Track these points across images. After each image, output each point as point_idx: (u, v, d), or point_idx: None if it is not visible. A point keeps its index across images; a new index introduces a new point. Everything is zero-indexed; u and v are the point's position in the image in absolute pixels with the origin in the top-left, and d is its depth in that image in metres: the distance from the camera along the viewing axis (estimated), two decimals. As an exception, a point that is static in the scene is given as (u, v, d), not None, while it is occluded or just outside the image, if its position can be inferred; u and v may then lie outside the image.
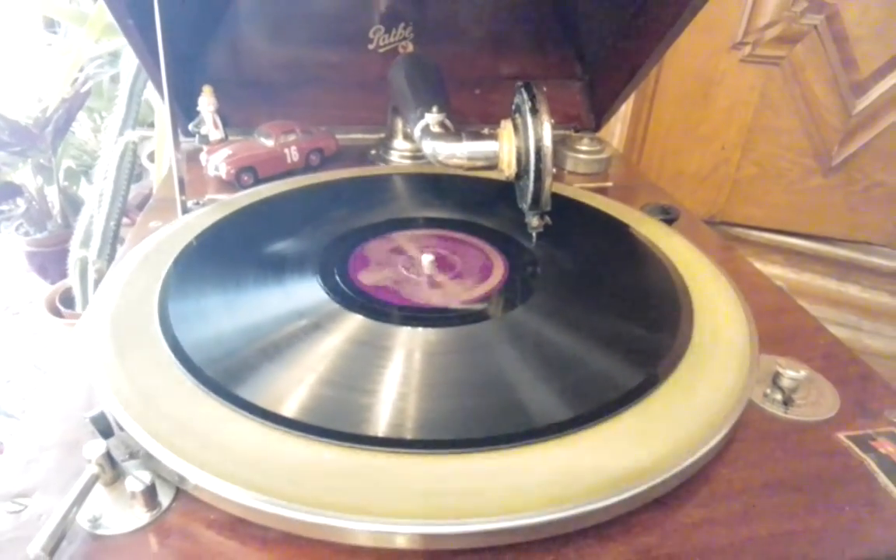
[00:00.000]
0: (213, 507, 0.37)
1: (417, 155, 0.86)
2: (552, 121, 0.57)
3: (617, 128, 1.33)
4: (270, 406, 0.40)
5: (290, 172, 0.79)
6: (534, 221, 0.61)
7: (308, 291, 0.53)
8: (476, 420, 0.41)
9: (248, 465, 0.37)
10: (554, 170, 0.58)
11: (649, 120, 1.33)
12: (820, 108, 1.22)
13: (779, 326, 0.57)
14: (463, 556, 0.35)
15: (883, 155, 1.22)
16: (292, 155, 0.79)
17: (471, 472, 0.37)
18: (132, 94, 1.25)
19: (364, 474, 0.37)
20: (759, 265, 0.67)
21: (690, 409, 0.42)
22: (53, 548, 0.33)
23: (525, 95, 0.58)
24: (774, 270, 1.34)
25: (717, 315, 0.52)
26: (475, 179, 0.76)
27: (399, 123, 0.86)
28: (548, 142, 0.57)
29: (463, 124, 0.66)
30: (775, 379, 0.48)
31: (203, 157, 0.78)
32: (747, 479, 0.41)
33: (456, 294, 0.55)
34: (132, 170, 1.23)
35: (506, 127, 0.61)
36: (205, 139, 0.80)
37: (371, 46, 0.92)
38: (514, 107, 0.62)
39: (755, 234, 1.36)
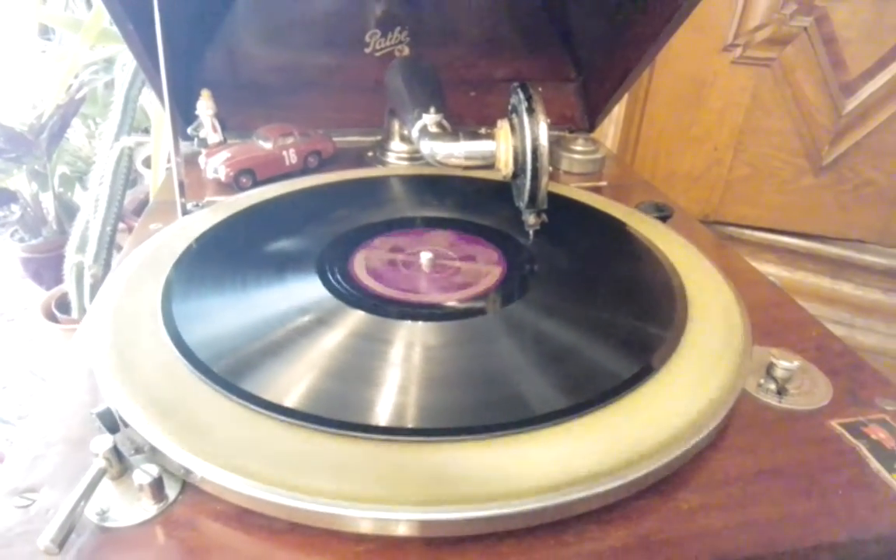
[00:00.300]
0: (219, 498, 0.37)
1: (414, 156, 0.87)
2: (548, 120, 0.58)
3: (610, 130, 1.34)
4: (275, 399, 0.41)
5: (288, 175, 0.79)
6: (531, 219, 0.62)
7: (310, 289, 0.54)
8: (476, 410, 0.42)
9: (253, 456, 0.37)
10: (550, 168, 0.59)
11: (642, 122, 1.34)
12: (810, 109, 1.24)
13: (772, 319, 0.58)
14: (465, 543, 0.36)
15: (873, 154, 1.24)
16: (290, 157, 0.80)
17: (471, 459, 0.38)
18: (127, 99, 1.25)
19: (367, 463, 0.37)
20: (753, 264, 0.68)
21: (685, 398, 0.43)
22: (63, 540, 0.33)
23: (521, 95, 0.59)
24: (768, 269, 1.35)
25: (711, 307, 0.53)
26: (472, 179, 0.77)
27: (396, 126, 0.87)
28: (544, 141, 0.58)
29: (459, 126, 0.67)
30: (769, 369, 0.49)
31: (202, 160, 0.79)
32: (743, 465, 0.42)
33: (455, 290, 0.55)
34: (128, 175, 1.23)
35: (502, 126, 0.62)
36: (203, 142, 0.81)
37: (367, 50, 0.93)
38: (510, 107, 0.63)
39: (748, 233, 1.38)
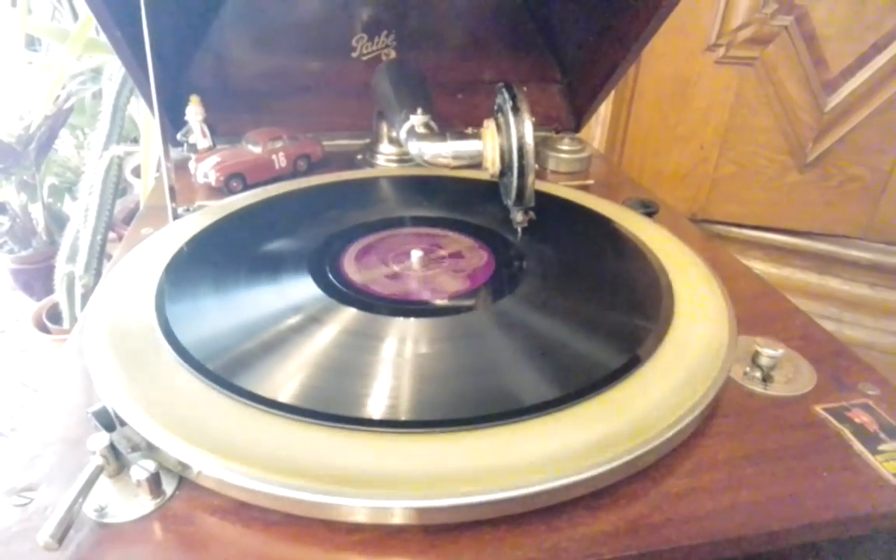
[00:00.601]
0: (215, 493, 0.38)
1: (403, 158, 0.87)
2: (533, 118, 0.59)
3: (597, 131, 1.35)
4: (269, 394, 0.41)
5: (278, 178, 0.80)
6: (518, 217, 0.63)
7: (302, 287, 0.54)
8: (467, 401, 0.42)
9: (249, 450, 0.38)
10: (536, 166, 0.60)
11: (628, 122, 1.35)
12: (794, 106, 1.25)
13: (757, 310, 0.59)
14: (458, 530, 0.36)
15: (856, 150, 1.25)
16: (280, 161, 0.81)
17: (463, 449, 0.38)
18: (116, 108, 1.26)
19: (361, 454, 0.38)
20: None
21: (672, 386, 0.44)
22: (62, 535, 0.34)
23: (506, 95, 0.60)
24: (756, 266, 1.36)
25: (697, 298, 0.54)
26: (460, 179, 0.78)
27: (384, 128, 0.88)
28: (529, 139, 0.59)
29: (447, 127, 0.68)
30: (754, 358, 0.50)
31: (192, 164, 0.79)
32: (730, 450, 0.43)
33: (445, 287, 0.56)
34: (118, 184, 1.23)
35: (489, 126, 0.62)
36: (193, 148, 0.81)
37: (354, 54, 0.94)
38: (495, 107, 0.63)
39: (735, 230, 1.39)
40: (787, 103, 1.25)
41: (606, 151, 1.35)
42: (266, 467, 0.36)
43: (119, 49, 0.70)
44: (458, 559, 0.35)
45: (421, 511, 0.35)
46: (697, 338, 0.49)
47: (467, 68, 0.99)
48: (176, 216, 0.67)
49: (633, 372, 0.45)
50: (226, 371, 0.44)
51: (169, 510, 0.37)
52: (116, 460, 0.38)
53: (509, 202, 0.63)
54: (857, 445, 0.43)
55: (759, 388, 0.48)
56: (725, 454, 0.43)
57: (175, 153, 0.84)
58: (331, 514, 0.36)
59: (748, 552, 0.38)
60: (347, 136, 0.95)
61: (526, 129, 0.59)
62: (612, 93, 1.13)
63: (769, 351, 0.49)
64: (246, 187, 0.78)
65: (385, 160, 0.88)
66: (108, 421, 0.40)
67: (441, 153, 0.64)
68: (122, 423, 0.40)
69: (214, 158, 0.77)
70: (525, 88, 0.61)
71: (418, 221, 0.68)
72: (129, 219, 1.62)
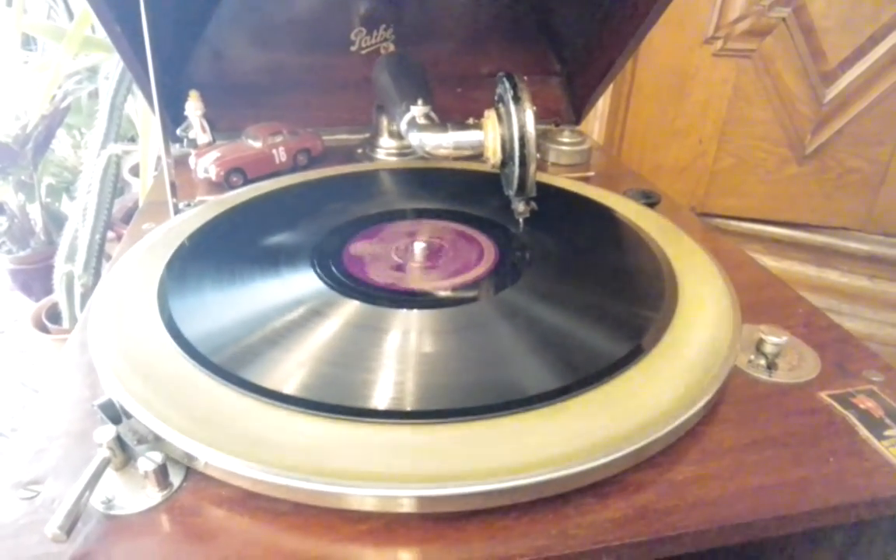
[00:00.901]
0: (223, 483, 0.38)
1: (403, 151, 0.87)
2: (534, 108, 0.59)
3: (595, 125, 1.35)
4: (275, 386, 0.41)
5: (278, 173, 0.80)
6: (520, 207, 0.62)
7: (306, 281, 0.54)
8: (474, 391, 0.42)
9: (255, 441, 0.38)
10: (538, 155, 0.60)
11: (627, 116, 1.35)
12: (792, 99, 1.25)
13: (760, 298, 0.59)
14: (467, 519, 0.36)
15: (854, 142, 1.26)
16: (280, 155, 0.81)
17: (471, 438, 0.38)
18: (113, 106, 1.25)
19: (368, 444, 0.38)
20: (739, 251, 0.69)
21: (678, 375, 0.44)
22: (70, 527, 0.33)
23: (507, 84, 0.60)
24: (755, 259, 1.36)
25: (701, 287, 0.54)
26: (462, 171, 0.78)
27: (384, 122, 0.88)
28: (531, 128, 0.59)
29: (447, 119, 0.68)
30: (759, 345, 0.50)
31: (192, 160, 0.79)
32: (736, 437, 0.43)
33: (448, 278, 0.56)
34: (116, 183, 1.23)
35: (490, 116, 0.62)
36: (192, 143, 0.81)
37: (353, 48, 0.94)
38: (496, 97, 0.63)
39: (734, 224, 1.39)
40: (785, 96, 1.26)
41: (605, 146, 1.35)
42: (273, 457, 0.36)
43: (119, 45, 0.70)
44: (466, 547, 0.35)
45: (429, 500, 0.35)
46: (702, 326, 0.49)
47: (466, 62, 0.99)
48: (177, 211, 0.67)
49: (638, 361, 0.45)
50: (231, 363, 0.43)
51: (176, 501, 0.37)
52: (123, 452, 0.38)
53: (511, 193, 0.63)
54: (863, 431, 0.43)
55: (763, 376, 0.48)
56: (731, 441, 0.43)
57: (174, 149, 0.84)
58: (339, 504, 0.36)
59: (756, 538, 0.38)
60: (347, 131, 0.95)
61: (527, 119, 0.59)
62: (611, 87, 1.13)
63: (773, 338, 0.49)
64: (246, 182, 0.77)
65: (385, 154, 0.88)
66: (114, 413, 0.40)
67: (442, 144, 0.63)
68: (129, 416, 0.40)
69: (214, 153, 0.77)
70: (525, 78, 0.61)
71: (420, 213, 0.68)
72: (127, 218, 1.61)
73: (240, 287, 0.54)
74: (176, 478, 0.38)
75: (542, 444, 0.38)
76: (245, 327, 0.48)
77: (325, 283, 0.54)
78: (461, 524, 0.36)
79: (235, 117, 0.87)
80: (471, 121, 0.64)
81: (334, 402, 0.40)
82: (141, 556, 0.34)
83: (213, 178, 0.76)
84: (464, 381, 0.44)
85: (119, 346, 0.45)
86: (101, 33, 1.35)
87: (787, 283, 0.62)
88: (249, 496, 0.37)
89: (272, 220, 0.66)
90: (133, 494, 0.37)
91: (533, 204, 0.63)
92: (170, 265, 0.56)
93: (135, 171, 1.63)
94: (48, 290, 1.36)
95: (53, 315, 1.36)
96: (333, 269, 0.56)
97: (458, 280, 0.56)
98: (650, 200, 0.72)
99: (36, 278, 1.54)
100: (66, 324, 1.32)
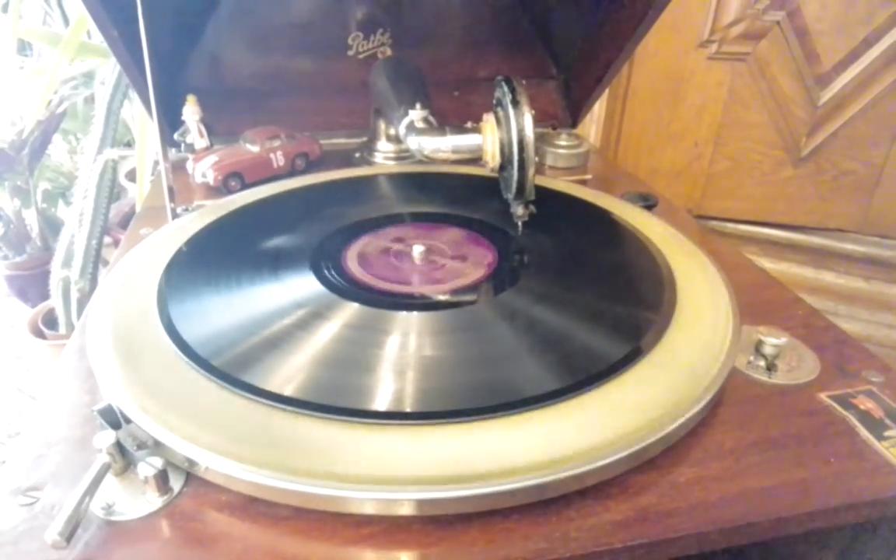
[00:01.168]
0: (223, 488, 0.38)
1: (401, 156, 0.87)
2: (532, 112, 0.59)
3: (592, 129, 1.36)
4: (275, 389, 0.41)
5: (276, 177, 0.80)
6: (519, 210, 0.63)
7: (305, 284, 0.54)
8: (474, 393, 0.42)
9: (256, 445, 0.38)
10: (536, 159, 0.60)
11: (623, 120, 1.36)
12: (787, 101, 1.26)
13: (758, 300, 0.59)
14: (468, 521, 0.36)
15: (849, 144, 1.26)
16: (278, 160, 0.81)
17: (471, 440, 0.38)
18: (110, 111, 1.25)
19: (369, 447, 0.38)
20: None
21: (678, 377, 0.44)
22: (70, 533, 0.33)
23: (505, 88, 0.60)
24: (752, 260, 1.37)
25: (699, 289, 0.54)
26: (460, 175, 0.78)
27: (382, 126, 0.88)
28: (529, 132, 0.59)
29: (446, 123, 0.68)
30: (758, 347, 0.50)
31: (189, 164, 0.79)
32: (736, 439, 0.43)
33: (447, 281, 0.56)
34: (113, 187, 1.23)
35: (488, 120, 0.62)
36: (190, 148, 0.81)
37: (350, 53, 0.94)
38: (494, 100, 0.63)
39: (731, 226, 1.40)
40: (780, 98, 1.26)
41: (601, 149, 1.35)
42: (274, 461, 0.36)
43: (116, 49, 0.70)
44: (468, 550, 0.35)
45: (430, 502, 0.35)
46: (701, 328, 0.49)
47: (463, 66, 0.99)
48: (175, 216, 0.66)
49: (638, 362, 0.45)
50: (231, 367, 0.43)
51: (177, 507, 0.37)
52: (123, 458, 0.38)
53: (509, 196, 0.63)
54: (863, 432, 0.43)
55: (763, 377, 0.48)
56: (732, 443, 0.43)
57: (172, 154, 0.84)
58: (339, 507, 0.36)
59: (757, 539, 0.38)
60: (345, 135, 0.95)
61: (526, 122, 0.59)
62: (607, 91, 1.13)
63: (772, 340, 0.49)
64: (244, 186, 0.77)
65: (383, 158, 0.88)
66: (113, 419, 0.40)
67: (441, 147, 0.63)
68: (128, 421, 0.39)
69: (212, 158, 0.77)
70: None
71: (419, 217, 0.68)
72: (124, 223, 1.61)
73: (239, 291, 0.54)
74: (176, 483, 0.38)
75: (543, 445, 0.38)
76: (244, 331, 0.48)
77: (325, 285, 0.54)
78: (462, 527, 0.36)
79: (233, 121, 0.87)
80: (469, 124, 0.64)
81: (334, 404, 0.40)
82: (142, 562, 0.34)
83: (211, 182, 0.76)
84: (463, 384, 0.43)
85: (118, 350, 0.45)
86: (97, 38, 1.35)
87: (785, 285, 0.62)
88: (250, 501, 0.37)
89: (270, 224, 0.66)
90: (133, 500, 0.37)
91: (532, 207, 0.63)
92: (168, 270, 0.56)
93: (131, 175, 1.63)
94: (44, 296, 1.35)
95: (50, 321, 1.36)
96: (332, 272, 0.56)
97: (457, 283, 0.56)
98: (648, 203, 0.73)
99: (32, 284, 1.53)
100: (62, 329, 1.32)
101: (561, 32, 0.99)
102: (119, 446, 0.38)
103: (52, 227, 1.58)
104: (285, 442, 0.38)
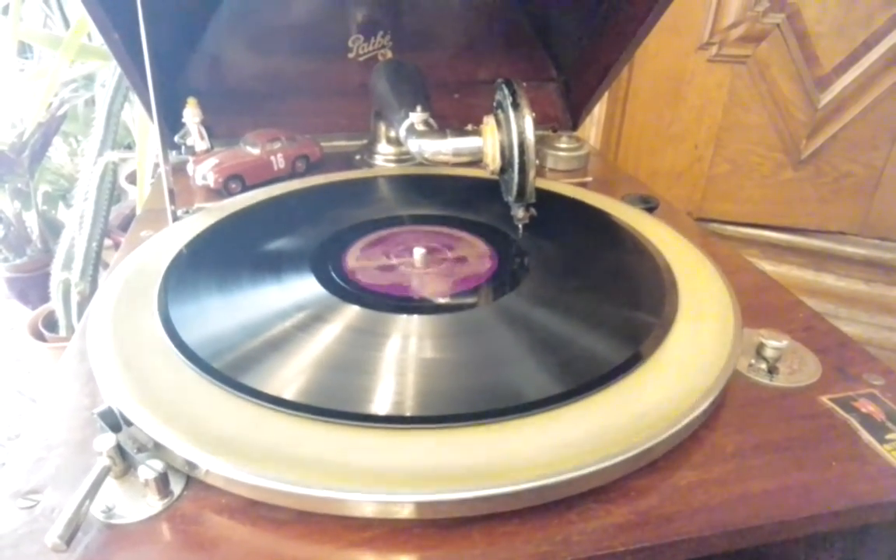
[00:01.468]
0: (224, 491, 0.38)
1: (401, 158, 0.87)
2: (533, 114, 0.59)
3: (592, 131, 1.36)
4: (276, 392, 0.41)
5: (276, 179, 0.80)
6: (519, 213, 0.62)
7: (306, 286, 0.54)
8: (475, 397, 0.42)
9: (256, 448, 0.37)
10: (537, 161, 0.60)
11: (623, 122, 1.36)
12: (787, 104, 1.26)
13: (759, 303, 0.59)
14: (470, 524, 0.36)
15: (849, 146, 1.26)
16: (279, 162, 0.81)
17: (473, 443, 0.38)
18: (110, 113, 1.25)
19: (370, 450, 0.38)
20: (737, 255, 0.69)
21: (679, 380, 0.44)
22: (70, 537, 0.33)
23: (506, 91, 0.60)
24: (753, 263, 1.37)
25: (701, 292, 0.54)
26: (460, 177, 0.78)
27: (382, 128, 0.88)
28: (530, 134, 0.59)
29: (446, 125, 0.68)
30: (759, 350, 0.50)
31: (190, 167, 0.79)
32: (738, 442, 0.43)
33: (447, 284, 0.56)
34: (113, 190, 1.23)
35: (488, 123, 0.62)
36: (190, 150, 0.81)
37: (351, 55, 0.94)
38: (495, 103, 0.63)
39: (731, 228, 1.39)
40: (780, 101, 1.26)
41: (602, 151, 1.35)
42: (274, 464, 0.36)
43: (116, 52, 0.70)
44: (469, 553, 0.35)
45: (431, 505, 0.35)
46: (703, 331, 0.49)
47: (463, 68, 0.99)
48: (175, 219, 0.66)
49: (639, 366, 0.45)
50: (232, 369, 0.43)
51: (177, 510, 0.37)
52: (123, 461, 0.38)
53: (510, 199, 0.63)
54: (865, 435, 0.43)
55: (764, 380, 0.48)
56: (733, 446, 0.43)
57: (172, 156, 0.84)
58: (340, 510, 0.36)
59: (758, 542, 0.38)
60: (345, 137, 0.95)
61: (526, 125, 0.59)
62: (607, 93, 1.14)
63: (774, 343, 0.49)
64: (245, 189, 0.77)
65: (383, 160, 0.88)
66: (114, 422, 0.39)
67: (441, 150, 0.63)
68: (129, 424, 0.39)
69: (213, 160, 0.77)
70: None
71: (419, 220, 0.68)
72: (124, 225, 1.61)
73: (239, 293, 0.54)
74: (177, 486, 0.38)
75: (544, 448, 0.38)
76: (245, 333, 0.48)
77: (325, 288, 0.54)
78: (464, 530, 0.36)
79: (233, 124, 0.87)
80: (469, 127, 0.64)
81: (335, 407, 0.40)
82: (142, 566, 0.34)
83: (212, 184, 0.76)
84: (464, 387, 0.43)
85: (118, 353, 0.45)
86: (98, 41, 1.35)
87: (786, 288, 0.62)
88: (251, 504, 0.37)
89: (271, 226, 0.66)
90: (133, 503, 0.37)
91: (532, 210, 0.63)
92: (169, 272, 0.56)
93: (131, 178, 1.63)
94: (44, 298, 1.35)
95: (50, 323, 1.36)
96: (333, 274, 0.56)
97: (458, 286, 0.56)
98: (648, 205, 0.73)
99: (32, 286, 1.53)
100: (62, 332, 1.31)
101: (561, 35, 0.99)
102: (119, 449, 0.38)
103: (52, 229, 1.58)
104: (286, 445, 0.38)
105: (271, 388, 0.42)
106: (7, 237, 1.53)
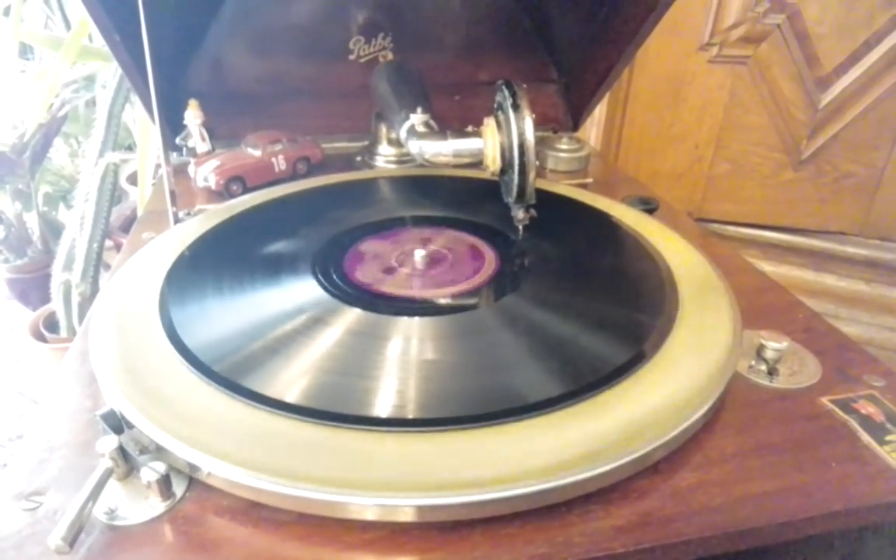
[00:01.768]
0: (226, 493, 0.38)
1: (402, 159, 0.88)
2: (533, 116, 0.59)
3: (592, 132, 1.36)
4: (277, 395, 0.41)
5: (278, 181, 0.80)
6: (520, 214, 0.63)
7: (307, 289, 0.54)
8: (475, 399, 0.42)
9: (258, 450, 0.38)
10: (537, 162, 0.60)
11: (623, 123, 1.36)
12: (787, 104, 1.26)
13: (759, 304, 0.59)
14: (471, 527, 0.36)
15: (850, 147, 1.26)
16: (280, 164, 0.81)
17: (473, 446, 0.38)
18: (111, 115, 1.25)
19: (371, 453, 0.38)
20: (737, 256, 0.69)
21: (679, 382, 0.44)
22: (73, 538, 0.33)
23: (506, 92, 0.60)
24: (753, 264, 1.37)
25: (701, 293, 0.54)
26: (461, 178, 0.78)
27: (383, 130, 0.88)
28: (530, 136, 0.59)
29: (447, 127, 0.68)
30: (759, 351, 0.50)
31: (191, 168, 0.79)
32: (738, 444, 0.43)
33: (448, 285, 0.56)
34: (114, 191, 1.23)
35: (489, 124, 0.63)
36: (192, 152, 0.81)
37: (352, 57, 0.94)
38: (495, 105, 0.64)
39: (731, 229, 1.40)
40: (780, 101, 1.26)
41: (602, 152, 1.35)
42: (276, 466, 0.36)
43: (118, 53, 0.70)
44: (470, 555, 0.35)
45: (431, 508, 0.35)
46: (703, 332, 0.49)
47: (464, 69, 1.00)
48: (177, 220, 0.67)
49: (640, 367, 0.45)
50: (233, 372, 0.43)
51: (179, 512, 0.37)
52: (126, 463, 0.38)
53: (510, 200, 0.63)
54: (865, 436, 0.43)
55: (764, 382, 0.49)
56: (734, 447, 0.43)
57: (174, 158, 0.84)
58: (341, 513, 0.36)
59: (759, 544, 0.38)
60: (346, 139, 0.95)
61: (526, 126, 0.59)
62: (607, 95, 1.14)
63: (774, 344, 0.49)
64: (246, 190, 0.78)
65: (384, 161, 0.88)
66: (116, 424, 0.40)
67: (442, 151, 0.64)
68: (131, 426, 0.39)
69: (214, 162, 0.77)
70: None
71: (420, 221, 0.68)
72: (125, 226, 1.61)
73: (241, 296, 0.54)
74: (179, 488, 0.38)
75: (545, 451, 0.38)
76: (246, 336, 0.48)
77: (326, 290, 0.54)
78: (465, 533, 0.36)
79: (234, 126, 0.87)
80: (470, 128, 0.64)
81: (336, 410, 0.40)
82: (144, 567, 0.34)
83: (213, 186, 0.76)
84: (465, 389, 0.44)
85: (120, 355, 0.45)
86: (99, 42, 1.35)
87: (787, 288, 0.62)
88: (252, 506, 0.37)
89: (272, 228, 0.66)
90: (136, 505, 0.37)
91: (532, 211, 0.63)
92: (170, 274, 0.56)
93: (132, 179, 1.63)
94: (45, 299, 1.35)
95: (51, 324, 1.36)
96: (334, 276, 0.56)
97: (459, 287, 0.56)
98: (648, 206, 0.73)
99: (33, 287, 1.53)
100: (63, 333, 1.32)
101: (562, 36, 0.99)
102: (122, 451, 0.38)
103: (53, 230, 1.58)
104: (287, 447, 0.38)
105: (273, 391, 0.42)
106: (8, 238, 1.54)
